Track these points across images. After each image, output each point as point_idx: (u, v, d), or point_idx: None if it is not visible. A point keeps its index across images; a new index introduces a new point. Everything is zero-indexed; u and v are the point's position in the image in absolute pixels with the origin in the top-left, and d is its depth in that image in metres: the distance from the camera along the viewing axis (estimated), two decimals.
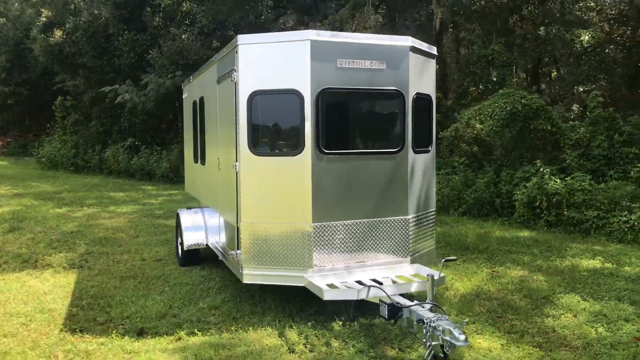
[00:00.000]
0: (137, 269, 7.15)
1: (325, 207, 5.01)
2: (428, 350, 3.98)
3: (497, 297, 5.91)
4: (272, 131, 5.17)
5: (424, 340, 4.05)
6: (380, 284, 4.98)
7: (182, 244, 7.16)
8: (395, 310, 4.39)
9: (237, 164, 5.25)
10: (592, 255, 7.89)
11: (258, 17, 19.49)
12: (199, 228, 7.08)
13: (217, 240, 6.59)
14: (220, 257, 6.28)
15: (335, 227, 5.08)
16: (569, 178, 10.32)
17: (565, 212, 9.90)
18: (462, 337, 3.73)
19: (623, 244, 8.81)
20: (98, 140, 24.54)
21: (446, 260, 4.50)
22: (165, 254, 8.04)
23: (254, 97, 5.06)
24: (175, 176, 19.84)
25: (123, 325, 5.07)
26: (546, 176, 10.27)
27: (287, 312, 5.36)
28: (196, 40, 19.53)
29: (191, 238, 7.03)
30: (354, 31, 14.99)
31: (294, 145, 5.01)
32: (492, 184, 11.76)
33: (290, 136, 5.06)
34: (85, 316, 5.29)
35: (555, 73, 16.02)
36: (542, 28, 14.72)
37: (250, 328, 4.95)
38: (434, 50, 5.90)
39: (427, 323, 3.99)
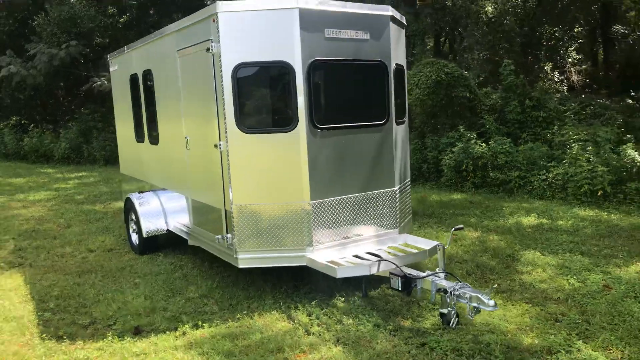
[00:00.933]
0: (90, 263, 6.52)
1: (322, 183, 4.91)
2: (454, 319, 4.11)
3: (468, 259, 6.24)
4: (261, 107, 4.90)
5: (447, 308, 4.18)
6: (378, 256, 5.03)
7: (139, 231, 6.64)
8: (408, 281, 4.46)
9: (221, 142, 4.93)
10: (526, 213, 8.59)
11: None
12: (157, 213, 6.61)
13: (184, 223, 6.19)
14: (193, 242, 5.93)
15: (331, 203, 5.00)
16: (491, 142, 11.06)
17: (490, 174, 10.65)
18: (492, 302, 3.90)
19: (544, 199, 9.69)
20: None
21: (455, 229, 4.65)
22: (113, 243, 7.41)
23: (239, 69, 4.73)
24: (76, 156, 18.23)
25: (112, 325, 4.63)
26: (472, 141, 10.92)
27: (284, 293, 5.24)
28: (89, 6, 17.74)
29: (150, 224, 6.55)
30: None
31: (286, 121, 4.79)
32: (417, 151, 12.28)
33: (281, 111, 4.83)
34: (62, 320, 4.75)
35: (461, 43, 16.93)
36: None
37: (255, 314, 4.76)
38: (404, 19, 5.92)
39: (450, 292, 4.11)
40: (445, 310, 4.35)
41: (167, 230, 6.59)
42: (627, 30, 20.18)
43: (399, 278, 4.49)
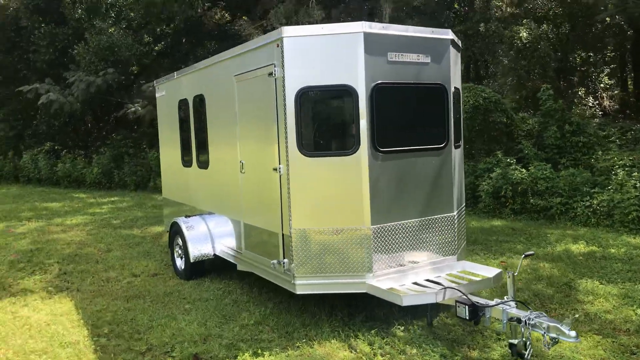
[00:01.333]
0: (137, 287, 6.46)
1: (382, 208, 4.80)
2: (528, 350, 3.92)
3: (524, 288, 6.02)
4: (324, 130, 4.85)
5: (517, 338, 3.99)
6: (438, 284, 4.88)
7: (185, 255, 6.59)
8: (476, 310, 4.29)
9: (280, 166, 4.88)
10: (573, 240, 8.33)
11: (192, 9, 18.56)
12: (205, 237, 6.56)
13: (233, 248, 6.12)
14: (243, 268, 5.85)
15: (391, 228, 4.88)
16: (531, 167, 10.86)
17: (530, 200, 10.41)
18: (573, 333, 3.70)
19: (588, 227, 9.41)
20: (9, 146, 22.18)
21: (525, 256, 4.48)
22: (156, 268, 7.36)
23: (302, 94, 4.71)
24: (107, 181, 18.45)
25: (169, 353, 4.52)
26: (511, 166, 10.73)
27: (340, 320, 5.09)
28: (126, 35, 18.21)
29: (197, 249, 6.49)
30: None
31: (348, 145, 4.73)
32: None
33: (343, 135, 4.78)
34: (118, 346, 4.66)
35: (492, 68, 16.90)
36: (482, 24, 15.38)
37: (315, 342, 4.62)
38: (460, 43, 5.87)
39: (525, 321, 3.93)
40: (515, 341, 4.15)
41: (214, 255, 6.53)
42: None
43: (466, 306, 4.32)
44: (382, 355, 4.36)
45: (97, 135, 21.06)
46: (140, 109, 16.61)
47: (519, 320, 4.00)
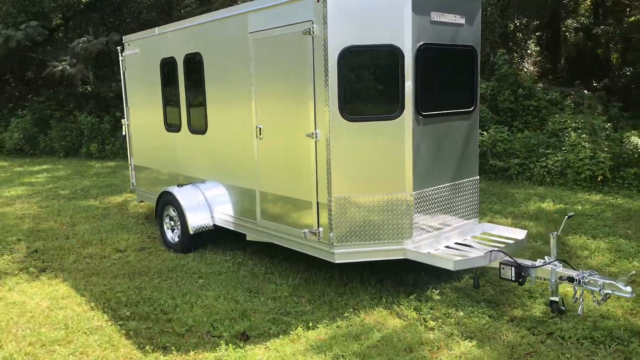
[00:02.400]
0: (131, 264, 5.95)
1: (423, 173, 4.72)
2: (581, 306, 4.08)
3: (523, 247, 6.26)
4: (367, 93, 4.61)
5: (557, 296, 4.18)
6: (469, 246, 4.94)
7: (182, 227, 6.16)
8: (521, 270, 4.39)
9: (317, 131, 4.61)
10: (540, 199, 8.81)
11: None
12: (203, 207, 6.16)
13: (240, 217, 5.79)
14: (256, 238, 5.57)
15: (429, 194, 4.83)
16: (490, 130, 11.28)
17: (490, 161, 10.86)
18: (628, 288, 3.90)
19: (544, 185, 10.01)
20: None
21: (569, 217, 4.62)
22: (139, 241, 6.83)
23: (345, 54, 4.43)
24: (30, 148, 16.78)
25: (211, 332, 4.21)
26: None
27: (374, 287, 5.02)
28: None
29: (197, 220, 6.09)
30: None
31: (392, 108, 4.55)
32: None
33: (388, 98, 4.57)
34: (150, 329, 4.26)
35: None
36: None
37: (360, 311, 4.52)
38: None
39: (578, 279, 4.08)
40: (556, 298, 4.34)
41: (214, 225, 6.16)
42: (577, 23, 21.35)
43: (512, 268, 4.41)
44: (433, 320, 4.36)
45: (19, 96, 18.92)
46: (68, 67, 15.07)
47: (570, 279, 4.14)
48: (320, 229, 4.76)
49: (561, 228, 4.57)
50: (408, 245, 4.70)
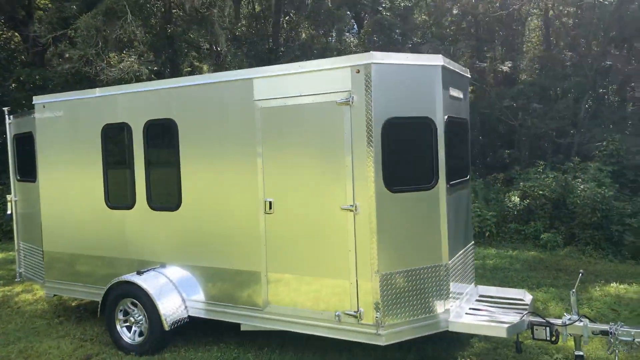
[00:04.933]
0: None
1: (452, 241, 4.75)
2: (616, 357, 4.43)
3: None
4: (407, 164, 4.51)
5: (581, 351, 4.50)
6: (479, 310, 5.08)
7: (152, 323, 5.16)
8: (552, 329, 4.62)
9: (357, 204, 4.37)
10: None
11: None
12: (176, 296, 5.29)
13: (234, 304, 5.08)
14: (260, 327, 4.94)
15: (455, 261, 4.87)
16: None
17: None
18: None
19: None
20: None
21: (582, 274, 4.99)
22: (74, 347, 5.50)
23: (388, 125, 4.34)
24: None
25: None
26: None
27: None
28: None
29: (172, 312, 5.19)
30: None
31: (428, 179, 4.55)
32: None
33: (424, 169, 4.55)
34: None
35: None
36: None
37: None
38: None
39: (611, 332, 4.43)
40: (581, 353, 4.65)
41: (188, 316, 5.31)
42: None
43: (546, 328, 4.62)
44: None
45: None
46: None
47: (604, 332, 4.48)
48: (362, 309, 4.42)
49: (577, 284, 4.96)
50: (449, 317, 4.62)
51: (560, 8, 16.03)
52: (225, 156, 5.03)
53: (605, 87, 15.93)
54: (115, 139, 5.76)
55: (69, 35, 13.75)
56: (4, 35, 17.56)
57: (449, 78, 4.77)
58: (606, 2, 13.93)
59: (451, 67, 4.82)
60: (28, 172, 6.87)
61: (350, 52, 17.33)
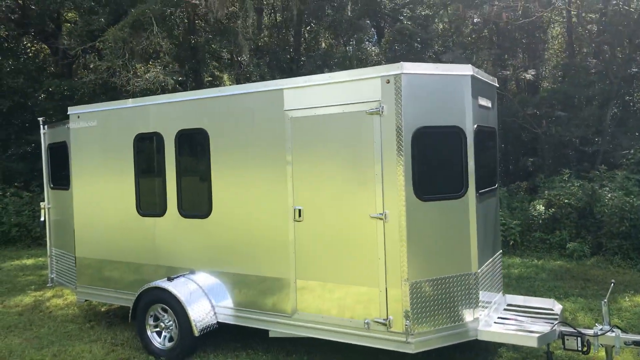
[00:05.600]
0: None
1: (481, 250, 4.76)
2: None
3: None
4: (436, 173, 4.55)
5: None
6: (511, 320, 5.05)
7: (183, 329, 5.25)
8: (583, 339, 4.58)
9: (387, 212, 4.42)
10: None
11: None
12: (205, 303, 5.37)
13: (262, 310, 5.14)
14: (282, 333, 4.99)
15: (484, 270, 4.87)
16: None
17: None
18: None
19: None
20: None
21: (613, 284, 4.96)
22: (107, 352, 5.62)
23: (418, 134, 4.39)
24: None
25: None
26: None
27: None
28: None
29: (202, 318, 5.28)
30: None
31: (457, 187, 4.57)
32: None
33: (453, 177, 4.58)
34: None
35: None
36: None
37: None
38: None
39: None
40: None
41: (217, 322, 5.39)
42: None
43: (577, 338, 4.58)
44: None
45: None
46: None
47: (637, 343, 4.44)
48: (391, 317, 4.44)
49: (608, 294, 4.91)
50: (478, 325, 4.61)
51: (584, 15, 15.91)
52: (255, 165, 5.12)
53: (631, 94, 15.71)
54: (147, 148, 5.90)
55: (97, 47, 14.10)
56: (34, 48, 18.09)
57: (478, 87, 4.80)
58: (632, 9, 13.77)
59: (480, 77, 4.85)
60: (61, 180, 7.07)
61: (371, 62, 17.40)
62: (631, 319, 6.16)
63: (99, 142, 6.29)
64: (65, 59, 15.78)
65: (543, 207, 11.19)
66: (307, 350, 5.35)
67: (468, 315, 4.59)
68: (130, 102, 6.05)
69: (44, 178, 7.55)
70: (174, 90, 12.80)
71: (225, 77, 19.43)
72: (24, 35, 16.98)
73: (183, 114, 5.60)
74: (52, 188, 7.41)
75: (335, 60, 17.29)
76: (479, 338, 4.60)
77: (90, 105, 6.44)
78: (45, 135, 7.46)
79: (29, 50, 18.07)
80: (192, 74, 17.43)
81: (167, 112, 5.72)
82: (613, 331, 4.56)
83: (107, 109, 6.22)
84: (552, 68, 17.84)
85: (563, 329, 4.67)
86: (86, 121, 6.38)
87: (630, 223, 9.30)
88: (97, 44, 13.74)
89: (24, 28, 16.22)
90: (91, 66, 15.54)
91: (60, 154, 7.00)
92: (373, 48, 19.49)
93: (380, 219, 4.45)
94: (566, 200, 10.69)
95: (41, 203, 7.60)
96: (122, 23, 13.12)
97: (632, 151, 11.58)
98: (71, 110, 6.54)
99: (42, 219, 7.57)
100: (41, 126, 7.51)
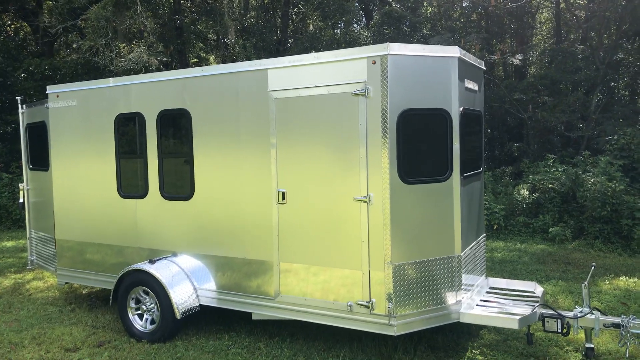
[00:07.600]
0: None
1: (464, 234, 4.76)
2: (627, 349, 4.43)
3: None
4: (421, 155, 4.51)
5: (591, 343, 4.51)
6: (489, 301, 5.08)
7: (165, 311, 5.20)
8: (563, 321, 4.63)
9: (371, 195, 4.38)
10: None
11: None
12: (188, 285, 5.33)
13: (245, 293, 5.11)
14: (265, 316, 4.97)
15: (468, 254, 4.87)
16: None
17: None
18: None
19: None
20: None
21: (593, 267, 4.99)
22: (88, 334, 5.56)
23: (404, 116, 4.34)
24: None
25: None
26: None
27: (422, 356, 4.79)
28: None
29: (184, 300, 5.23)
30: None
31: (442, 170, 4.55)
32: None
33: (438, 160, 4.55)
34: None
35: None
36: None
37: None
38: None
39: (624, 325, 4.44)
40: (592, 345, 4.67)
41: (199, 305, 5.35)
42: None
43: (558, 320, 4.63)
44: None
45: None
46: None
47: (616, 325, 4.49)
48: (374, 299, 4.44)
49: (589, 277, 4.95)
50: (461, 308, 4.63)
51: (572, 0, 15.90)
52: (238, 146, 5.05)
53: (617, 80, 15.80)
54: (128, 128, 5.79)
55: (79, 25, 13.78)
56: (14, 26, 17.63)
57: (465, 70, 4.75)
58: None
59: (467, 59, 4.80)
60: (40, 161, 6.93)
61: (359, 44, 17.26)
62: (611, 302, 6.24)
63: (79, 122, 6.15)
64: (46, 38, 15.40)
65: (527, 192, 11.27)
66: (290, 333, 5.35)
67: (451, 298, 4.60)
68: (111, 82, 5.91)
69: (22, 159, 7.39)
70: (158, 70, 12.60)
71: (212, 58, 19.17)
72: (3, 12, 16.54)
73: (165, 94, 5.49)
74: (31, 169, 7.26)
75: (323, 42, 17.13)
76: (461, 320, 4.62)
77: (70, 84, 6.28)
78: (24, 115, 7.29)
79: (8, 28, 17.62)
80: (178, 55, 17.16)
81: (149, 91, 5.60)
82: (593, 314, 4.61)
83: (87, 89, 6.08)
84: (539, 54, 17.85)
85: (544, 311, 4.71)
86: (66, 101, 6.23)
87: (612, 208, 9.41)
88: (79, 22, 13.43)
89: (3, 5, 15.78)
90: (73, 45, 15.24)
91: (39, 134, 6.84)
92: (361, 31, 19.33)
93: (364, 201, 4.42)
94: (550, 185, 10.78)
95: (20, 184, 7.46)
96: (105, 1, 12.81)
97: (615, 137, 11.67)
98: (50, 89, 6.38)
99: (20, 200, 7.44)
100: (19, 105, 7.34)
